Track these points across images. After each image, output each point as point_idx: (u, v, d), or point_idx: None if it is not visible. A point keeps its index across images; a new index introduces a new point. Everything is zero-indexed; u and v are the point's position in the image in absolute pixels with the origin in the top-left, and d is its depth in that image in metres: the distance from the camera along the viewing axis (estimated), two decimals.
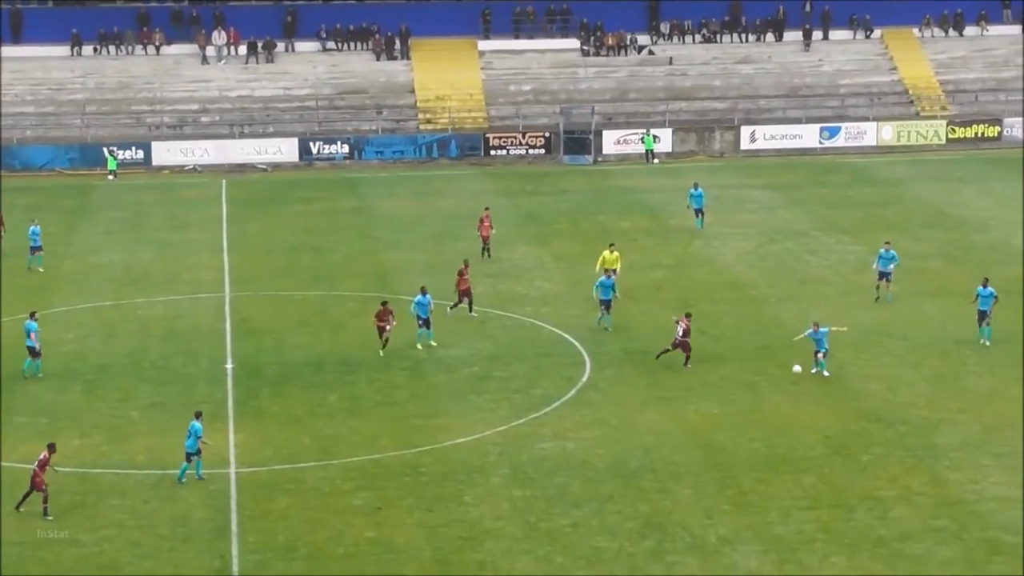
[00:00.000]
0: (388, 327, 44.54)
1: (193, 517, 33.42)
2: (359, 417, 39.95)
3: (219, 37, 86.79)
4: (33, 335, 43.06)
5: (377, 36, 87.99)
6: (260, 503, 34.16)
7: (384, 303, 45.19)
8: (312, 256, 58.83)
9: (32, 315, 43.90)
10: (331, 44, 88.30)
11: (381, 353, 44.54)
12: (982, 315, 45.08)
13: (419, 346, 45.50)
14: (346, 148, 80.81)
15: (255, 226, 64.69)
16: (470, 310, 48.81)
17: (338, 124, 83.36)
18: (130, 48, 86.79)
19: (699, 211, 62.03)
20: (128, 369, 44.29)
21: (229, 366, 44.45)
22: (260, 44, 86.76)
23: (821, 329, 41.65)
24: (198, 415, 35.94)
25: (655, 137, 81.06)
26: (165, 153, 79.48)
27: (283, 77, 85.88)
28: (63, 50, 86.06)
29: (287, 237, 62.22)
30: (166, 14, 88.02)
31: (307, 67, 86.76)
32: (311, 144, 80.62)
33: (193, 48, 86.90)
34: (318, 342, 46.92)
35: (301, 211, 67.80)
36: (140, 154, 79.23)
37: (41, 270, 55.80)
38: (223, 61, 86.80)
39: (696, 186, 62.60)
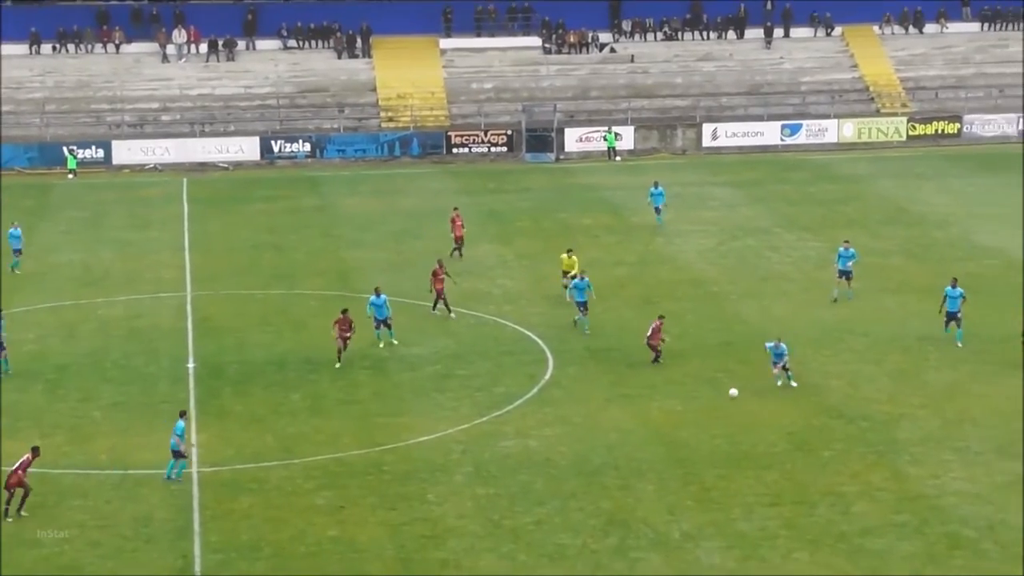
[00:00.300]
0: (347, 336, 43.68)
1: (155, 517, 33.26)
2: (322, 416, 39.83)
3: (179, 35, 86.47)
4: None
5: (338, 34, 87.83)
6: (223, 502, 34.02)
7: (344, 311, 44.09)
8: (274, 255, 58.65)
9: None
10: (292, 42, 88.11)
11: (337, 365, 43.61)
12: (951, 316, 44.96)
13: (381, 344, 45.40)
14: (308, 146, 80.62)
15: (216, 225, 64.48)
16: (433, 307, 48.71)
17: (299, 122, 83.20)
18: (90, 46, 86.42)
19: (658, 209, 62.14)
20: (89, 369, 44.05)
21: (191, 365, 44.26)
22: (221, 42, 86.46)
23: (782, 345, 41.48)
24: (182, 414, 35.93)
25: (617, 135, 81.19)
26: (125, 152, 79.13)
27: (244, 75, 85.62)
28: (22, 48, 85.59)
29: (248, 236, 62.03)
30: (126, 12, 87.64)
31: (268, 65, 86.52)
32: (272, 142, 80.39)
33: (153, 46, 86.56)
34: (280, 341, 46.77)
35: (263, 210, 67.61)
36: (100, 153, 78.88)
37: (18, 272, 55.28)
38: (183, 59, 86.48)
39: (656, 184, 62.74)
